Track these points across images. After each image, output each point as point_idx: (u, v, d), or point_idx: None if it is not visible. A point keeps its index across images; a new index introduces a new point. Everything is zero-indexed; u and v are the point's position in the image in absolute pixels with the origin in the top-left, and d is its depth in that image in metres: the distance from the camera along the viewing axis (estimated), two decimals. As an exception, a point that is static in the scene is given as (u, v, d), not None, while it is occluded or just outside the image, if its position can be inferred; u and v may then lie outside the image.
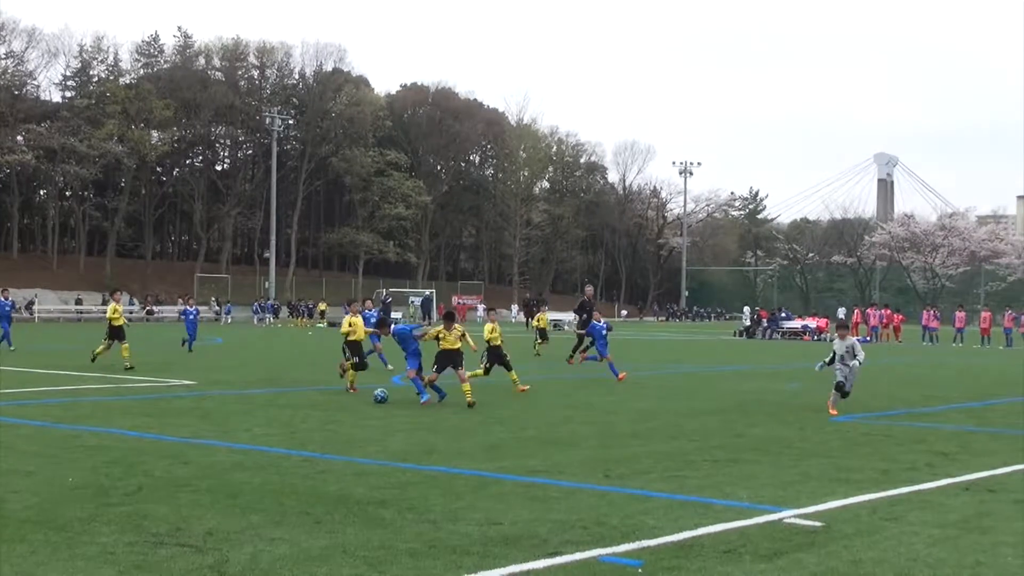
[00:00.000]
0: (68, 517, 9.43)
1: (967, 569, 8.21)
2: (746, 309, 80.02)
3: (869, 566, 8.18)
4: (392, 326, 22.80)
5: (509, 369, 22.55)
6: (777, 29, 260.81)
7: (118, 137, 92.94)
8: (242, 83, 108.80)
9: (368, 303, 31.54)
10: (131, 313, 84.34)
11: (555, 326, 78.02)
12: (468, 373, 20.25)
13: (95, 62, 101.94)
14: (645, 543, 8.76)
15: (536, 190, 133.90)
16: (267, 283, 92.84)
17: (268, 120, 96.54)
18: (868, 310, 64.57)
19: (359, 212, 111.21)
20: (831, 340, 28.68)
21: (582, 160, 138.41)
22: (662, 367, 33.74)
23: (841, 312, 76.26)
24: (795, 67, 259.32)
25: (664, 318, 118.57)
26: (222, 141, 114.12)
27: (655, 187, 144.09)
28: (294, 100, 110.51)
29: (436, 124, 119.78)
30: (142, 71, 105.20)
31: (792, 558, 8.38)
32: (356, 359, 22.88)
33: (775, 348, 51.44)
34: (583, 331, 32.91)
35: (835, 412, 18.95)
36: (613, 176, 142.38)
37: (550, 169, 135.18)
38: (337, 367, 24.24)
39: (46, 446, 13.80)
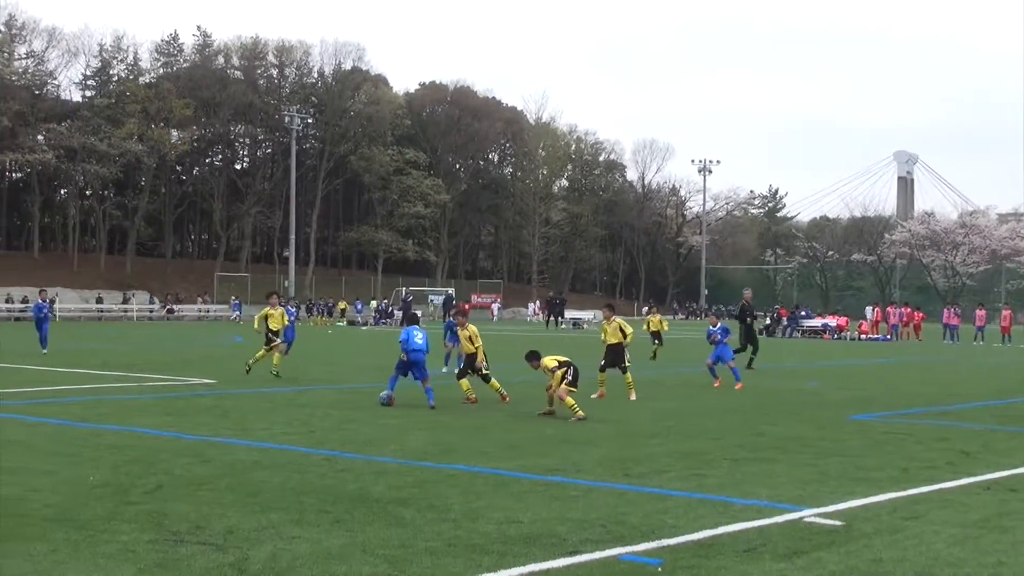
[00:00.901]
0: (89, 515, 9.47)
1: (988, 568, 8.17)
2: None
3: (890, 565, 8.15)
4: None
5: (487, 380, 20.51)
6: (796, 27, 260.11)
7: (138, 136, 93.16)
8: (261, 82, 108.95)
9: (292, 302, 33.10)
10: (151, 312, 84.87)
11: (575, 324, 78.15)
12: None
13: (115, 61, 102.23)
14: (665, 542, 8.76)
15: (555, 188, 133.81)
16: (287, 282, 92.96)
17: (287, 119, 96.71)
18: (888, 308, 64.38)
19: (378, 211, 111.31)
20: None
21: (601, 158, 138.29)
22: (680, 366, 33.65)
23: (869, 312, 75.66)
24: (815, 65, 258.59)
25: (684, 316, 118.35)
26: (241, 140, 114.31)
27: (674, 185, 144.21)
28: (313, 99, 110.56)
29: (455, 122, 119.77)
30: (162, 70, 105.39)
31: (812, 557, 8.36)
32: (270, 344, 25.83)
33: (795, 346, 51.32)
34: (747, 342, 32.04)
35: None
36: (632, 174, 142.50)
37: (569, 167, 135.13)
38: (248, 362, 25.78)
39: (67, 445, 13.86)
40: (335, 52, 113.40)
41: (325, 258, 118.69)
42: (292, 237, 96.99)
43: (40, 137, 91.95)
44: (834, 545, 8.79)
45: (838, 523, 9.63)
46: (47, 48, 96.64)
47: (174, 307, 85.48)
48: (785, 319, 68.58)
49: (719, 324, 26.09)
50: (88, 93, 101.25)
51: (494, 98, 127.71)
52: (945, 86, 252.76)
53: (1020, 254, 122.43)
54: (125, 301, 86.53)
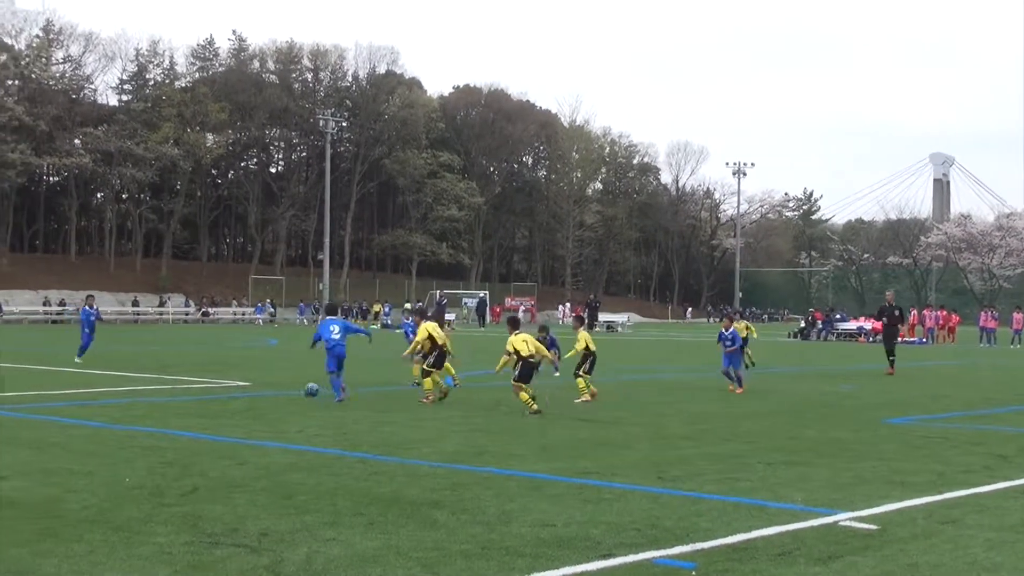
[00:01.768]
0: (125, 517, 9.53)
1: (1025, 574, 8.11)
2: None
3: (926, 570, 8.10)
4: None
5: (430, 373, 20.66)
6: (832, 29, 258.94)
7: (174, 140, 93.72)
8: (296, 86, 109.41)
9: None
10: (187, 315, 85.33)
11: (608, 327, 77.99)
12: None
13: (151, 66, 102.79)
14: (699, 545, 8.74)
15: (589, 191, 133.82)
16: (321, 285, 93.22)
17: (322, 122, 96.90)
18: (924, 311, 63.96)
19: (412, 214, 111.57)
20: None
21: (635, 161, 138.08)
22: (712, 369, 33.51)
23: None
24: (849, 67, 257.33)
25: (718, 319, 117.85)
26: (276, 143, 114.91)
27: (708, 188, 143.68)
28: (347, 102, 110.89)
29: (489, 126, 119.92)
30: (197, 74, 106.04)
31: (847, 561, 8.31)
32: None
33: (830, 349, 51.08)
34: (892, 346, 32.00)
35: None
36: (666, 177, 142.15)
37: (603, 170, 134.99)
38: None
39: (103, 446, 13.97)
40: (369, 56, 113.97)
41: (360, 261, 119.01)
42: (326, 240, 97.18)
43: (77, 141, 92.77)
44: (869, 549, 8.74)
45: (873, 527, 9.57)
46: (84, 53, 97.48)
47: (209, 310, 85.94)
48: (820, 322, 68.35)
49: (731, 328, 25.64)
50: (124, 97, 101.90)
51: (528, 101, 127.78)
52: (982, 87, 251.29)
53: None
54: (161, 304, 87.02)
